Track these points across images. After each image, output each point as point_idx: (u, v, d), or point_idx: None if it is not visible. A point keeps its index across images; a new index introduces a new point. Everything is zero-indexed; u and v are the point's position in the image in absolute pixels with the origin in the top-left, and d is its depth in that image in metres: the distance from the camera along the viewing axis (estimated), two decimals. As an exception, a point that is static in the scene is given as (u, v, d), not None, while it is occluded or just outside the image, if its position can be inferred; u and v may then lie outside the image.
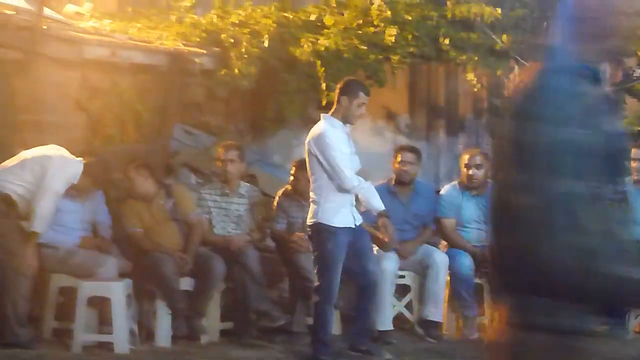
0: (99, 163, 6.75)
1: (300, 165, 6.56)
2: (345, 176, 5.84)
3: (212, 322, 6.59)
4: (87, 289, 6.19)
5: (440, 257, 6.77)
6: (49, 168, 6.31)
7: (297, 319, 6.57)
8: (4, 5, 7.43)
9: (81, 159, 6.52)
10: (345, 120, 5.99)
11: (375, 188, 6.27)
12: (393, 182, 6.84)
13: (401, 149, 7.03)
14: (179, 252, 6.57)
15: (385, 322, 6.62)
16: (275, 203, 6.82)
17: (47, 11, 7.56)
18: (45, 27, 7.34)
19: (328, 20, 8.05)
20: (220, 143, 7.28)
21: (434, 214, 7.00)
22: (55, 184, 6.28)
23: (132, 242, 6.69)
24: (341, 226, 5.91)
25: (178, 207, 6.83)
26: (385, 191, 6.61)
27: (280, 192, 6.80)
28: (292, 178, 6.74)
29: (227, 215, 6.79)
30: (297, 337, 6.47)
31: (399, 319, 6.91)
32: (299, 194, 6.63)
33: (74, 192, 6.55)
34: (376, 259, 6.33)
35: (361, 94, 6.06)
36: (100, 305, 6.34)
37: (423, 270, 6.85)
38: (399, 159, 6.82)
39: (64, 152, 6.53)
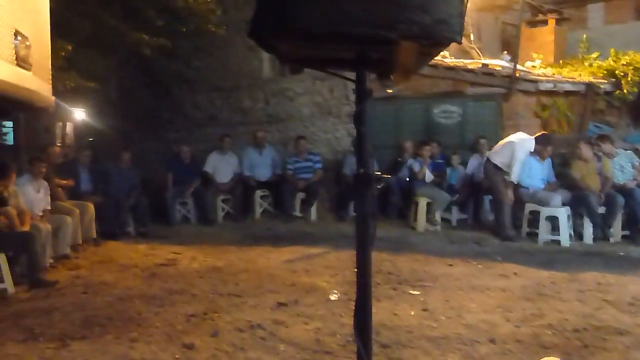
0: (545, 136, 8.65)
1: None
2: None
3: (616, 230, 8.53)
4: (545, 211, 8.31)
5: None
6: (515, 145, 8.48)
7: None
8: (494, 65, 10.17)
9: (532, 137, 8.45)
10: None
11: None
12: None
13: None
14: (600, 192, 8.48)
15: None
16: None
17: (518, 66, 9.99)
18: (518, 75, 9.92)
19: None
20: (610, 134, 9.25)
21: None
22: (519, 155, 8.42)
23: (572, 183, 8.46)
24: None
25: (603, 167, 8.69)
26: None
27: None
28: None
29: (622, 170, 8.88)
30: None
31: None
32: None
33: (538, 156, 8.47)
34: None
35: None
36: (551, 220, 8.19)
37: None
38: None
39: (523, 135, 8.56)
